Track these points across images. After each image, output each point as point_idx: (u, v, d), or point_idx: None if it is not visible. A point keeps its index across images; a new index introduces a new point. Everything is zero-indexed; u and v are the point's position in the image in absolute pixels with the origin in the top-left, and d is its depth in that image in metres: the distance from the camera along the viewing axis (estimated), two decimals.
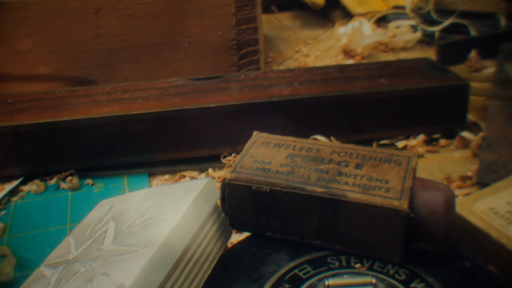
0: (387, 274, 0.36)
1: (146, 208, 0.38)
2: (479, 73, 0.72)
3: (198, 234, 0.36)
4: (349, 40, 0.79)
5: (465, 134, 0.57)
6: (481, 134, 0.56)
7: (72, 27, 0.66)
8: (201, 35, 0.65)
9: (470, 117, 0.60)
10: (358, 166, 0.39)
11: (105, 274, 0.32)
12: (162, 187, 0.41)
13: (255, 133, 0.44)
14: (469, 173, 0.51)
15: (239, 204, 0.39)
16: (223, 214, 0.39)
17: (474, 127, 0.59)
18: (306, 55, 0.82)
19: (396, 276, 0.36)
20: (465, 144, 0.56)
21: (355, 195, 0.36)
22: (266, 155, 0.40)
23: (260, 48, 0.66)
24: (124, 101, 0.56)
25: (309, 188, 0.37)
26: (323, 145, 0.42)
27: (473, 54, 0.73)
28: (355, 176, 0.38)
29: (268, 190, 0.38)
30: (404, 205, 0.35)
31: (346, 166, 0.39)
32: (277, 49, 0.84)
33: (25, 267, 0.45)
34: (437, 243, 0.36)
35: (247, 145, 0.42)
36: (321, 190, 0.37)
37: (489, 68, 0.72)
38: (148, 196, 0.40)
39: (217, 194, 0.38)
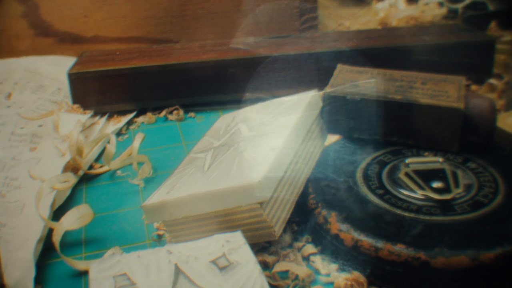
0: (447, 159, 0.49)
1: (269, 111, 0.51)
2: (498, 40, 0.85)
3: (309, 129, 0.49)
4: (386, 14, 0.92)
5: (492, 81, 0.70)
6: (504, 80, 0.69)
7: None
8: (269, 3, 0.78)
9: (495, 70, 0.73)
10: (423, 83, 0.52)
11: (255, 145, 0.45)
12: (274, 100, 0.54)
13: (339, 65, 0.57)
14: (498, 107, 0.64)
15: (334, 111, 0.52)
16: (321, 120, 0.52)
17: (498, 77, 0.72)
18: (348, 28, 0.95)
19: (455, 160, 0.49)
20: (492, 88, 0.70)
21: (425, 100, 0.49)
22: (353, 77, 0.54)
23: (318, 15, 0.79)
24: (217, 51, 0.69)
25: (390, 96, 0.50)
26: (393, 71, 0.55)
27: (492, 25, 0.86)
28: (423, 89, 0.51)
29: (359, 99, 0.51)
30: (461, 105, 0.48)
31: (415, 83, 0.52)
32: (322, 23, 0.97)
33: (157, 170, 0.58)
34: (484, 136, 0.50)
35: (335, 72, 0.55)
36: (399, 97, 0.50)
37: (507, 36, 0.85)
38: (265, 106, 0.53)
39: (320, 103, 0.51)
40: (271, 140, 0.44)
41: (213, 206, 0.41)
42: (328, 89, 0.52)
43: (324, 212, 0.43)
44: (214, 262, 0.37)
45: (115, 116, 0.67)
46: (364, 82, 0.52)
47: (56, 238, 0.44)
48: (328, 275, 0.42)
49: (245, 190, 0.39)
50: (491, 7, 0.94)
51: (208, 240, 0.39)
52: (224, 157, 0.46)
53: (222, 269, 0.36)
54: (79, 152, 0.55)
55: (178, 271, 0.36)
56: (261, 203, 0.40)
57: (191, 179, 0.44)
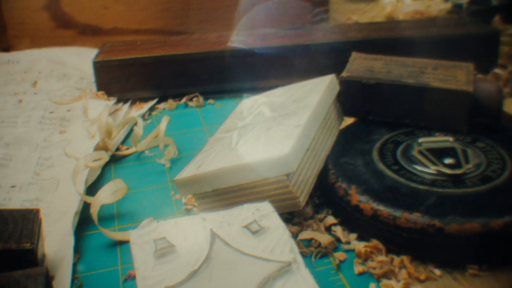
0: (457, 139, 0.52)
1: (289, 95, 0.54)
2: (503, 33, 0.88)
3: (328, 109, 0.52)
4: (393, 9, 0.96)
5: (497, 70, 0.73)
6: (509, 70, 0.73)
7: None
8: None
9: (499, 61, 0.77)
10: (434, 69, 0.55)
11: (279, 124, 0.48)
12: (293, 84, 0.57)
13: (354, 52, 0.60)
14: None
15: (350, 95, 0.55)
16: (338, 104, 0.55)
17: (502, 67, 0.76)
18: (356, 21, 0.98)
19: (464, 140, 0.52)
20: (497, 78, 0.73)
21: (436, 83, 0.52)
22: (368, 64, 0.57)
23: (329, 8, 0.82)
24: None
25: (403, 80, 0.53)
26: (405, 58, 0.58)
27: (496, 18, 0.90)
28: (434, 73, 0.54)
29: (374, 83, 0.54)
30: (470, 89, 0.51)
31: (426, 68, 0.55)
32: (330, 17, 1.00)
33: (181, 152, 0.61)
34: (492, 118, 0.53)
35: (350, 59, 0.58)
36: (412, 81, 0.53)
37: (510, 30, 0.89)
38: (285, 90, 0.57)
39: (337, 86, 0.55)
40: (294, 119, 0.47)
41: (242, 178, 0.44)
42: (344, 74, 0.55)
43: (344, 185, 0.47)
44: (246, 227, 0.40)
45: (138, 102, 0.71)
46: (378, 68, 0.55)
47: (94, 210, 0.47)
48: (348, 243, 0.45)
49: (273, 162, 0.42)
50: (494, 2, 0.97)
51: (238, 209, 0.42)
52: (250, 135, 0.49)
53: (254, 233, 0.39)
54: (108, 134, 0.59)
55: (214, 235, 0.39)
56: (287, 175, 0.43)
57: (219, 155, 0.48)
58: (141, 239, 0.40)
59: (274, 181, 0.44)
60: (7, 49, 0.88)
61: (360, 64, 0.57)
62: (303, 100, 0.51)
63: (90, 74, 0.75)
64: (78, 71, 0.78)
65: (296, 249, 0.38)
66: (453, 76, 0.54)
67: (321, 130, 0.50)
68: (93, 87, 0.72)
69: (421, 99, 0.53)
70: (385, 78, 0.54)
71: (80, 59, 0.80)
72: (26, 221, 0.44)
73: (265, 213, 0.41)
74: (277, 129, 0.47)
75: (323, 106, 0.50)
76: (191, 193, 0.47)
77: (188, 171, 0.47)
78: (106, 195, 0.49)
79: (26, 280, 0.38)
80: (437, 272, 0.42)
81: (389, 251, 0.44)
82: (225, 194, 0.46)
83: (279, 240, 0.38)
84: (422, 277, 0.41)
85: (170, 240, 0.39)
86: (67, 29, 0.86)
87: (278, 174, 0.43)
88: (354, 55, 0.59)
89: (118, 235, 0.47)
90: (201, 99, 0.70)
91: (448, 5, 1.00)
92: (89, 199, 0.49)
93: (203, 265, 0.36)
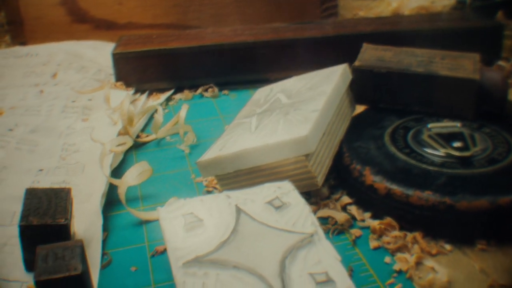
0: (465, 125, 0.55)
1: (304, 83, 0.57)
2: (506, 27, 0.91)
3: (341, 98, 0.55)
4: (398, 5, 0.98)
5: (501, 62, 0.76)
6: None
7: None
8: None
9: (503, 54, 0.79)
10: (442, 58, 0.58)
11: (297, 109, 0.51)
12: (307, 74, 0.60)
13: (365, 44, 0.62)
14: None
15: (362, 83, 0.58)
16: (351, 93, 0.58)
17: (506, 60, 0.78)
18: (362, 17, 1.01)
19: (471, 126, 0.55)
20: (501, 69, 0.76)
21: (445, 72, 0.55)
22: (378, 54, 0.59)
23: (338, 4, 0.85)
24: (248, 35, 0.74)
25: (413, 69, 0.56)
26: (414, 49, 0.61)
27: (499, 14, 0.93)
28: (442, 63, 0.57)
29: (385, 71, 0.56)
30: (476, 76, 0.54)
31: (435, 58, 0.58)
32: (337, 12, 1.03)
33: (199, 139, 0.63)
34: (497, 105, 0.56)
35: (362, 50, 0.61)
36: (421, 70, 0.56)
37: None
38: (300, 78, 0.59)
39: (350, 75, 0.57)
40: (311, 104, 0.50)
41: (263, 159, 0.47)
42: (356, 64, 0.57)
43: (359, 167, 0.49)
44: (269, 203, 0.42)
45: (155, 93, 0.73)
46: (389, 58, 0.58)
47: (122, 191, 0.50)
48: (363, 221, 0.48)
49: (293, 143, 0.45)
50: None
51: (260, 187, 0.45)
52: (269, 119, 0.51)
53: (277, 208, 0.42)
54: (130, 121, 0.61)
55: (239, 210, 0.42)
56: (306, 155, 0.46)
57: (240, 138, 0.50)
58: (169, 214, 0.43)
59: (294, 161, 0.46)
60: (23, 43, 0.90)
61: (371, 54, 0.60)
62: (318, 87, 0.54)
63: (107, 66, 0.78)
64: (95, 64, 0.80)
65: (316, 222, 0.40)
66: (460, 65, 0.56)
67: (335, 115, 0.53)
68: (111, 79, 0.75)
69: (430, 87, 0.56)
70: (396, 67, 0.57)
71: (97, 53, 0.82)
72: (59, 199, 0.46)
73: (285, 191, 0.44)
74: (295, 113, 0.50)
75: (337, 93, 0.53)
76: (213, 174, 0.50)
77: (210, 153, 0.50)
78: (133, 176, 0.51)
79: (63, 251, 0.40)
80: (448, 247, 0.45)
81: (402, 228, 0.46)
82: (246, 175, 0.49)
83: (300, 214, 0.41)
84: (434, 251, 0.44)
85: (198, 215, 0.42)
86: (82, 24, 0.88)
87: (297, 155, 0.46)
88: (365, 46, 0.62)
89: (144, 215, 0.50)
90: (216, 89, 0.73)
91: (452, 1, 1.03)
92: (115, 181, 0.52)
93: (231, 236, 0.39)
